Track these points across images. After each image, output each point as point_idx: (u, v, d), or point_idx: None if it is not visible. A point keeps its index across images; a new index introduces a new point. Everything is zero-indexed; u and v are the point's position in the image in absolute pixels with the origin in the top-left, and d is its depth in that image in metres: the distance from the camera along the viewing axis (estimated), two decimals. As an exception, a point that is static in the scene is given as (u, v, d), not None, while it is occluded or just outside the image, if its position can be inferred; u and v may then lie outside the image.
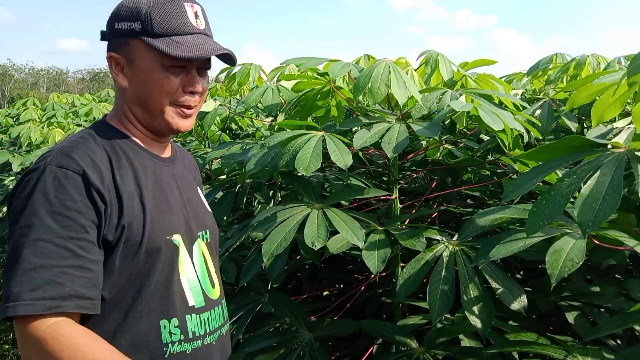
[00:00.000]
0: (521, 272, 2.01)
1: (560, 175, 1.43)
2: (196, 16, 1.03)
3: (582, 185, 0.96)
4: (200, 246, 1.10)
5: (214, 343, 1.08)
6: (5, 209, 4.25)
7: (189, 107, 1.05)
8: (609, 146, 1.05)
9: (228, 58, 1.08)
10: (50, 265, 0.86)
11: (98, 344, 0.87)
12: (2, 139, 4.94)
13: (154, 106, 1.03)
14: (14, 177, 4.26)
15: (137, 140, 1.07)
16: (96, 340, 0.88)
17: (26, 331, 0.84)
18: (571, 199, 0.98)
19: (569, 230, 1.20)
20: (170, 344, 0.99)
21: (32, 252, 0.85)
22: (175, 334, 1.00)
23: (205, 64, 1.07)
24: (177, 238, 1.03)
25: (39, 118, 5.22)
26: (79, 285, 0.88)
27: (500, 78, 2.95)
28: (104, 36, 1.07)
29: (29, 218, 0.87)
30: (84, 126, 4.75)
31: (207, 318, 1.07)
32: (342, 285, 2.29)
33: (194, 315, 1.04)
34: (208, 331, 1.06)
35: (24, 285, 0.84)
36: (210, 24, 1.09)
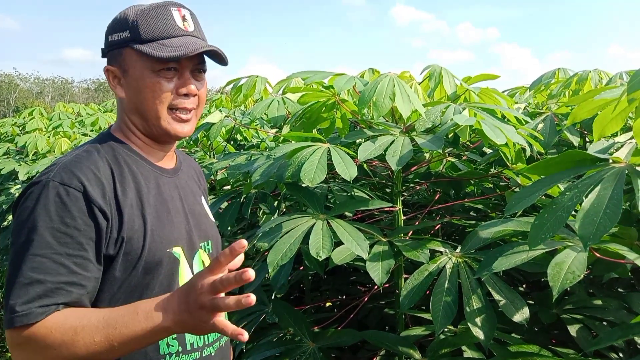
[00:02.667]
0: (524, 285, 2.02)
1: (563, 188, 1.45)
2: (184, 19, 1.05)
3: (583, 199, 0.98)
4: (201, 257, 1.10)
5: (213, 355, 1.08)
6: (10, 217, 4.28)
7: (185, 111, 1.05)
8: (610, 161, 1.07)
9: (219, 58, 1.08)
10: (46, 281, 0.87)
11: (79, 312, 0.89)
12: (8, 147, 4.98)
13: (149, 113, 1.04)
14: (20, 186, 4.30)
15: (140, 151, 1.08)
16: (77, 310, 0.90)
17: (20, 338, 0.86)
18: (572, 213, 1.00)
19: (570, 243, 1.21)
20: (167, 356, 0.99)
21: (29, 267, 0.87)
22: (172, 346, 1.00)
23: (198, 66, 1.06)
24: (177, 250, 1.03)
25: (45, 127, 5.27)
26: (71, 300, 0.90)
27: (503, 92, 2.99)
28: (103, 53, 1.09)
29: (29, 233, 0.89)
30: (90, 136, 4.80)
31: None
32: (344, 296, 2.30)
33: None
34: (207, 343, 1.06)
35: (19, 299, 0.86)
36: (204, 29, 1.10)
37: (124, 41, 1.02)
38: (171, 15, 1.03)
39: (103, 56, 1.09)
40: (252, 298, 0.79)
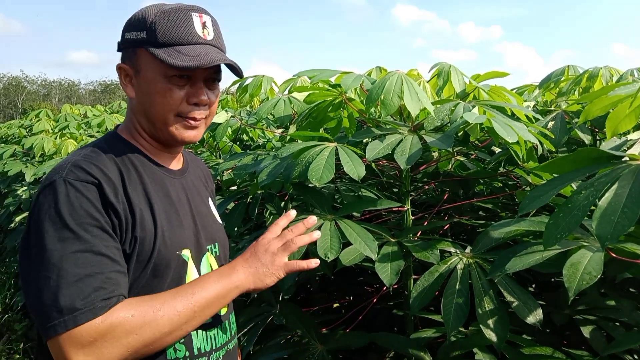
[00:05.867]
0: (533, 285, 1.99)
1: (575, 187, 1.42)
2: (204, 26, 1.01)
3: (599, 197, 0.96)
4: (208, 260, 1.09)
5: (220, 359, 1.06)
6: (18, 218, 4.28)
7: (195, 120, 1.03)
8: (626, 158, 1.04)
9: (234, 69, 1.05)
10: (95, 273, 0.86)
11: (145, 296, 0.91)
12: (15, 149, 4.99)
13: (157, 117, 1.02)
14: (26, 188, 4.30)
15: (147, 152, 1.06)
16: (143, 296, 0.91)
17: (88, 336, 0.82)
18: (588, 212, 0.97)
19: (585, 243, 1.18)
20: None
21: (73, 264, 0.84)
22: (180, 351, 0.98)
23: (214, 75, 1.04)
24: (186, 253, 1.02)
25: (51, 129, 5.28)
26: (123, 288, 0.89)
27: (510, 90, 2.95)
28: (119, 47, 1.07)
29: (60, 232, 0.86)
30: (96, 137, 4.80)
31: (214, 334, 1.05)
32: (352, 297, 2.27)
33: (199, 331, 1.02)
34: (214, 347, 1.04)
35: (75, 296, 0.83)
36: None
37: (140, 41, 1.00)
38: (191, 21, 1.00)
39: (118, 50, 1.07)
40: (317, 233, 1.04)
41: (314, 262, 0.97)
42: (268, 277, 0.97)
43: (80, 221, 0.88)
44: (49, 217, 0.88)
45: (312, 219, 1.00)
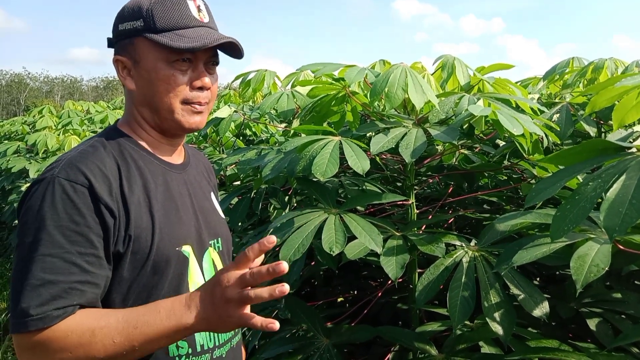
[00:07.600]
0: (537, 279, 1.98)
1: (581, 180, 1.41)
2: (199, 10, 1.02)
3: (606, 189, 0.95)
4: (211, 255, 1.08)
5: (224, 356, 1.05)
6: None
7: (200, 104, 1.03)
8: (633, 150, 1.03)
9: (235, 51, 1.05)
10: (58, 281, 0.84)
11: (96, 313, 0.87)
12: (18, 146, 5.00)
13: (162, 106, 1.00)
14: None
15: (148, 147, 1.05)
16: (93, 311, 0.87)
17: (33, 342, 0.83)
18: (595, 204, 0.96)
19: (592, 235, 1.17)
20: (177, 358, 0.97)
21: (40, 268, 0.84)
22: (182, 348, 0.98)
23: (212, 59, 1.04)
24: (186, 249, 1.01)
25: (54, 125, 5.28)
26: (85, 300, 0.87)
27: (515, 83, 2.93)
28: (110, 43, 1.06)
29: (38, 232, 0.86)
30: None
31: None
32: (356, 291, 2.27)
33: None
34: (217, 344, 1.04)
35: (32, 301, 0.83)
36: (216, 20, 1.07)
37: (137, 30, 0.99)
38: (186, 5, 1.00)
39: (110, 46, 1.06)
40: (286, 287, 0.79)
41: (274, 324, 0.79)
42: (221, 327, 0.85)
43: (60, 224, 0.86)
44: (32, 215, 0.88)
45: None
